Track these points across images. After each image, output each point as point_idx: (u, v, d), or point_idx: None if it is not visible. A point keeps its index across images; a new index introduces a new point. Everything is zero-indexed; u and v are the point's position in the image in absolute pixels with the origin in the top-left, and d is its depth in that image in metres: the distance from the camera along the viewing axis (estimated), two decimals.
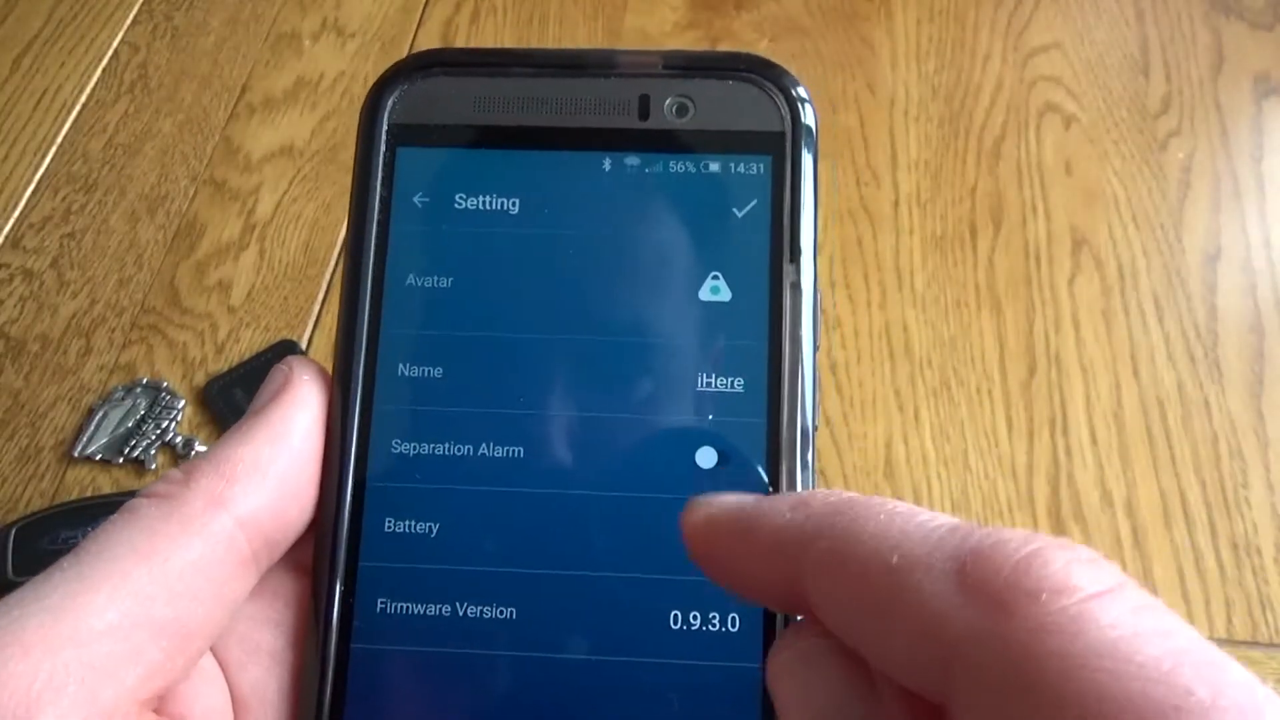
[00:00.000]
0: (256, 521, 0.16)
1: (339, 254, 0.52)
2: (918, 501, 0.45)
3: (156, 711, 0.15)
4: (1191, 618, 0.42)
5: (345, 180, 0.54)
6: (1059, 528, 0.44)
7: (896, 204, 0.54)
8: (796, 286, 0.18)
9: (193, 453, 0.46)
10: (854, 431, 0.47)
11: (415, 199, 0.19)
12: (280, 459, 0.17)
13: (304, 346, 0.49)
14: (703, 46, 0.61)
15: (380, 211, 0.19)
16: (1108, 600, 0.11)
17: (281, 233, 0.53)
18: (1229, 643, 0.41)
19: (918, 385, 0.48)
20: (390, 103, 0.19)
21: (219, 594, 0.16)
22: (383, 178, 0.19)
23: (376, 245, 0.19)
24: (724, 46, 0.61)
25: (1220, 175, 0.54)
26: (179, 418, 0.47)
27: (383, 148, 0.19)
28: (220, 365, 0.49)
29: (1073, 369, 0.48)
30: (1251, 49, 0.59)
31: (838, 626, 0.13)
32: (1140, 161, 0.55)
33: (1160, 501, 0.45)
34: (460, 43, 0.61)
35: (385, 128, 0.19)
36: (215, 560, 0.16)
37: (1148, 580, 0.43)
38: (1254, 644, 0.41)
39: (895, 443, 0.46)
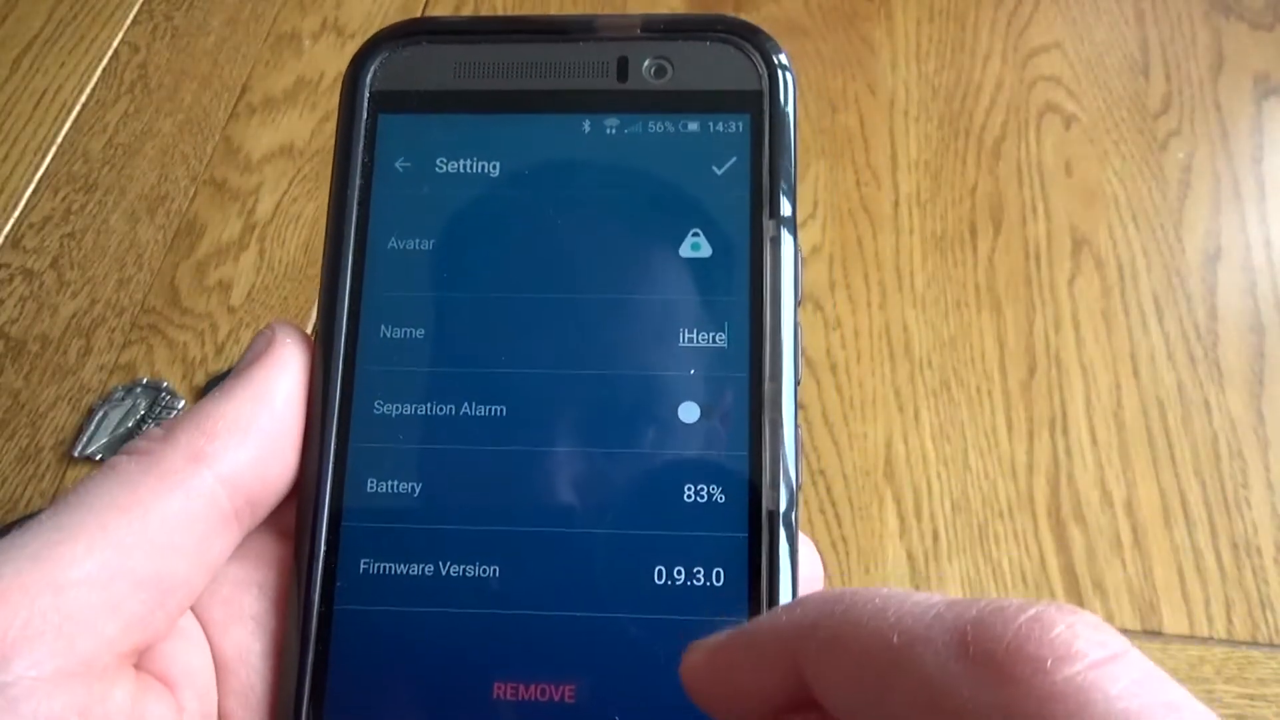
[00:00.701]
0: (237, 479, 0.16)
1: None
2: (918, 502, 0.45)
3: (138, 668, 0.15)
4: (1191, 618, 0.42)
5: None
6: (1059, 528, 0.44)
7: (896, 204, 0.54)
8: (776, 241, 0.18)
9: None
10: (854, 431, 0.47)
11: (397, 164, 0.19)
12: (262, 418, 0.17)
13: None
14: None
15: (362, 177, 0.19)
16: (1114, 669, 0.11)
17: (281, 233, 0.53)
18: (1229, 643, 0.41)
19: (918, 385, 0.48)
20: (372, 70, 0.19)
21: (199, 550, 0.16)
22: (364, 144, 0.19)
23: (359, 210, 0.19)
24: None
25: (1220, 175, 0.54)
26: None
27: (364, 114, 0.19)
28: (220, 365, 0.49)
29: (1073, 369, 0.48)
30: (1251, 49, 0.59)
31: (844, 713, 0.13)
32: (1140, 161, 0.55)
33: (1160, 501, 0.45)
34: None
35: (367, 95, 0.19)
36: (195, 515, 0.16)
37: (1148, 580, 0.43)
38: (1254, 644, 0.41)
39: (895, 443, 0.46)
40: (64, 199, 0.54)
